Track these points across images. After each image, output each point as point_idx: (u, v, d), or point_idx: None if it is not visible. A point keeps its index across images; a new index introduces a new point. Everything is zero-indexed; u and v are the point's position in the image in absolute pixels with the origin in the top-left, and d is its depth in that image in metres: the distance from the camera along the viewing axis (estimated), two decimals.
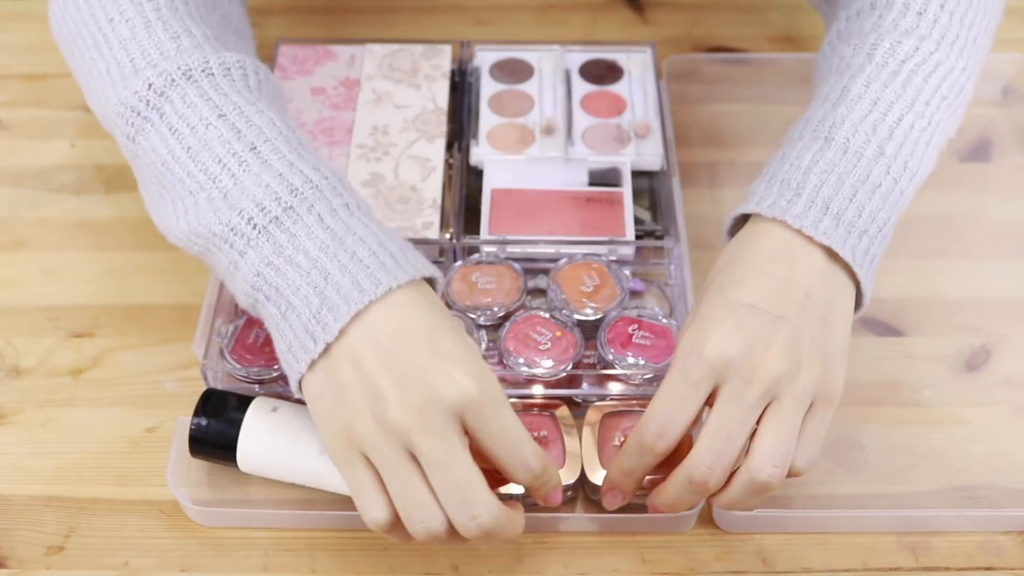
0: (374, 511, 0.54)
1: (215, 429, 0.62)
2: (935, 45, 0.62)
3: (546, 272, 0.72)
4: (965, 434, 0.68)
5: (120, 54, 0.61)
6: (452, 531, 0.54)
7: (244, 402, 0.62)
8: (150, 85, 0.59)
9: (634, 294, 0.73)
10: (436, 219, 0.74)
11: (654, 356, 0.67)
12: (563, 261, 0.72)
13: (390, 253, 0.55)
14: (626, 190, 0.76)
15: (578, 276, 0.71)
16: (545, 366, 0.67)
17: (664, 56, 0.88)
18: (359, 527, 0.63)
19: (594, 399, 0.67)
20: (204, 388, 0.67)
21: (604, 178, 0.77)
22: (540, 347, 0.67)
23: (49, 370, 0.71)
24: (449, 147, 0.79)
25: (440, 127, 0.80)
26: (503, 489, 0.60)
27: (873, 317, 0.73)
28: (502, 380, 0.67)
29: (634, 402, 0.65)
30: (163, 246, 0.77)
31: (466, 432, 0.53)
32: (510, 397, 0.65)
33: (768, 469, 0.55)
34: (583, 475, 0.62)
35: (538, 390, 0.67)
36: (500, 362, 0.68)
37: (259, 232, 0.55)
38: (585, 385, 0.68)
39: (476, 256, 0.73)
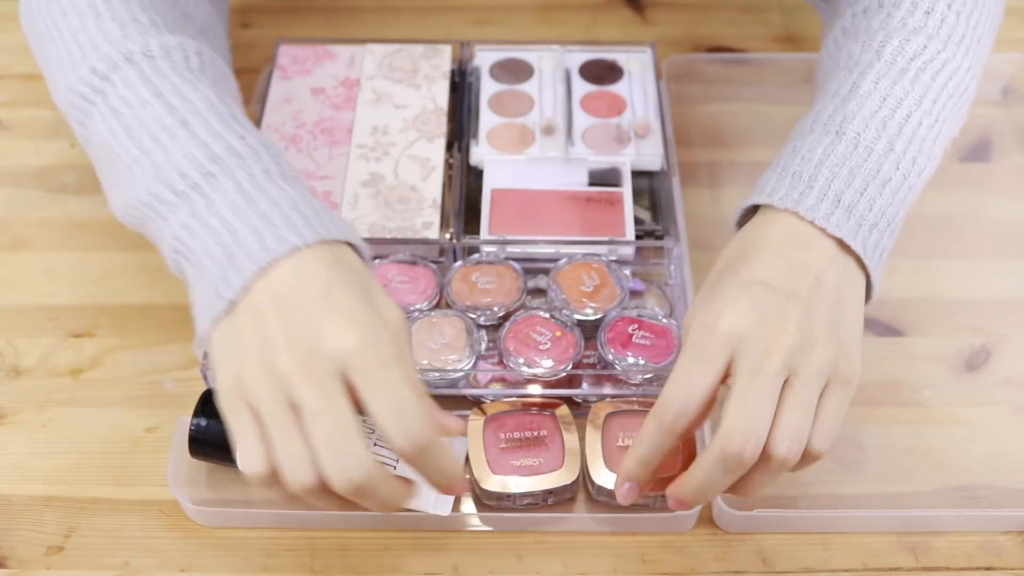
0: (252, 461, 0.53)
1: (215, 429, 0.62)
2: (942, 44, 0.63)
3: (546, 272, 0.72)
4: (965, 434, 0.68)
5: (71, 43, 0.63)
6: (323, 487, 0.53)
7: None
8: (94, 69, 0.61)
9: (634, 294, 0.73)
10: (436, 219, 0.74)
11: (654, 356, 0.67)
12: (563, 261, 0.72)
13: (302, 215, 0.56)
14: (626, 190, 0.76)
15: (578, 276, 0.71)
16: (545, 366, 0.67)
17: (664, 56, 0.88)
18: (359, 527, 0.63)
19: (594, 399, 0.67)
20: (204, 388, 0.67)
21: (604, 178, 0.77)
22: (540, 347, 0.67)
23: (49, 370, 0.71)
24: (449, 147, 0.79)
25: (440, 127, 0.80)
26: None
27: (873, 317, 0.73)
28: (502, 380, 0.67)
29: (634, 400, 0.65)
30: None
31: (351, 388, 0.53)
32: (511, 397, 0.66)
33: (786, 444, 0.54)
34: (587, 475, 0.62)
35: (538, 390, 0.67)
36: (500, 362, 0.68)
37: (180, 197, 0.57)
38: (585, 385, 0.68)
39: (476, 256, 0.73)
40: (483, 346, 0.68)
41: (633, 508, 0.62)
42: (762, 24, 0.95)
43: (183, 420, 0.65)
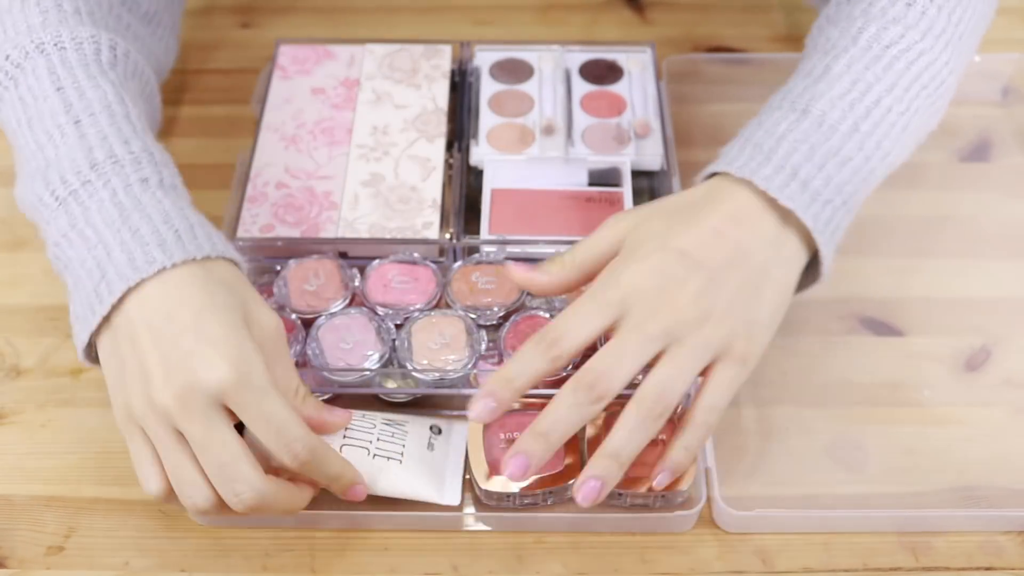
0: (150, 483, 0.57)
1: None
2: (920, 35, 0.64)
3: None
4: (965, 434, 0.68)
5: None
6: (222, 505, 0.56)
7: None
8: (7, 56, 0.63)
9: None
10: (436, 219, 0.74)
11: None
12: None
13: (175, 231, 0.57)
14: (626, 190, 0.76)
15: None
16: None
17: (664, 56, 0.88)
18: (359, 527, 0.63)
19: None
20: None
21: (604, 178, 0.77)
22: None
23: (49, 370, 0.71)
24: (449, 147, 0.79)
25: (440, 127, 0.80)
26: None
27: (873, 317, 0.73)
28: None
29: None
30: None
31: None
32: None
33: (652, 396, 0.56)
34: None
35: (538, 390, 0.67)
36: (500, 362, 0.68)
37: (59, 204, 0.59)
38: None
39: (476, 256, 0.73)
40: (483, 346, 0.68)
41: (633, 508, 0.62)
42: (762, 24, 0.95)
43: None
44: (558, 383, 0.66)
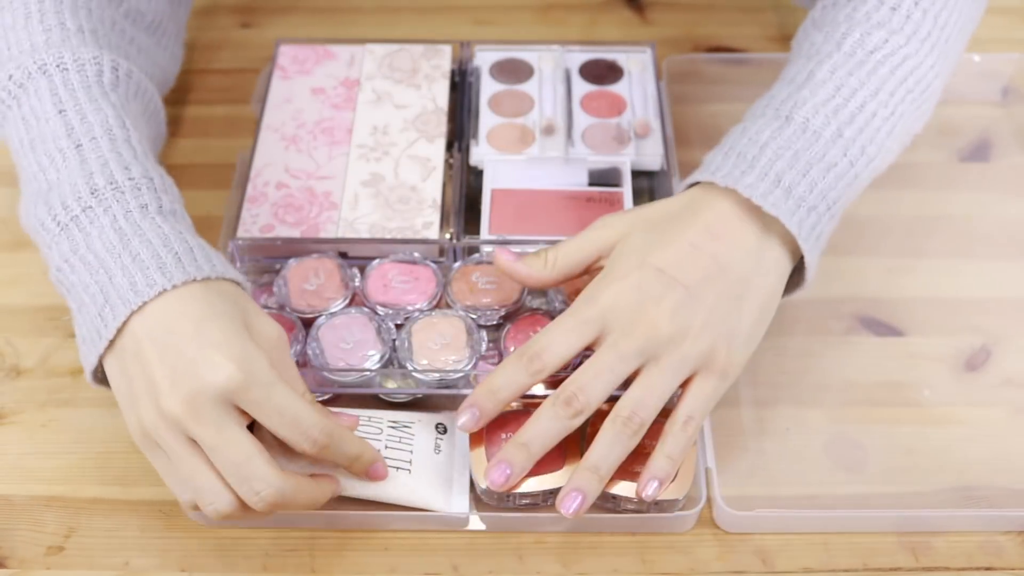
0: (179, 494, 0.58)
1: None
2: (905, 39, 0.64)
3: None
4: (965, 434, 0.68)
5: (0, 41, 0.66)
6: (244, 507, 0.56)
7: None
8: (11, 76, 0.64)
9: None
10: (436, 219, 0.74)
11: None
12: None
13: (174, 254, 0.58)
14: (626, 190, 0.76)
15: (579, 278, 0.71)
16: None
17: (664, 56, 0.88)
18: (359, 527, 0.63)
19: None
20: None
21: (604, 178, 0.77)
22: None
23: (49, 370, 0.71)
24: (449, 147, 0.79)
25: (440, 127, 0.80)
26: (537, 484, 0.61)
27: (873, 317, 0.73)
28: None
29: None
30: None
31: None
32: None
33: (625, 414, 0.58)
34: None
35: (538, 390, 0.67)
36: (500, 362, 0.68)
37: (61, 229, 0.60)
38: None
39: (476, 256, 0.73)
40: (483, 346, 0.68)
41: (632, 508, 0.62)
42: (762, 24, 0.95)
43: None
44: (559, 384, 0.67)
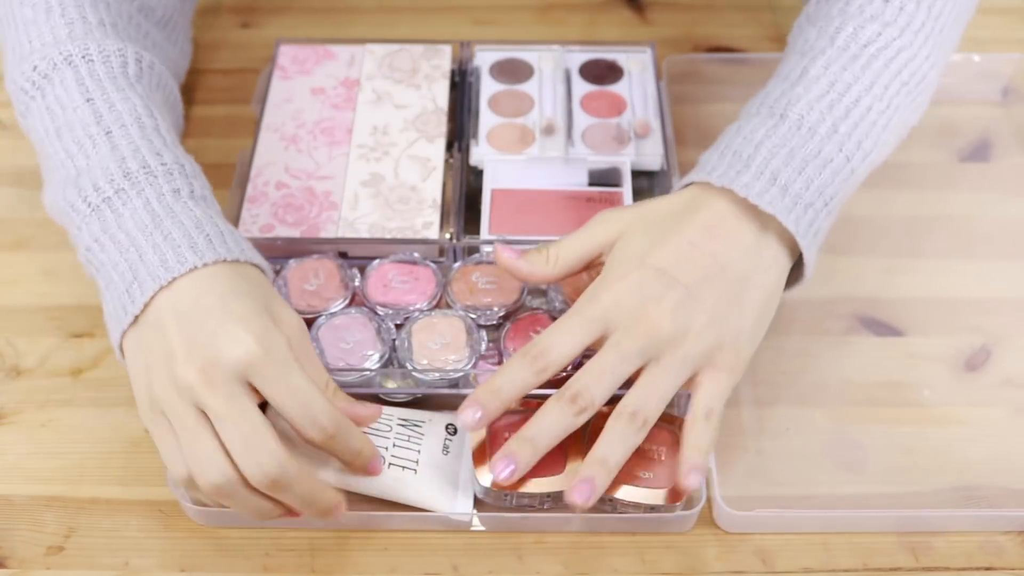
0: (172, 468, 0.57)
1: None
2: (899, 31, 0.64)
3: None
4: (965, 434, 0.68)
5: (23, 35, 0.66)
6: (239, 483, 0.56)
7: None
8: (35, 67, 0.64)
9: None
10: (436, 219, 0.74)
11: None
12: None
13: (206, 235, 0.59)
14: (626, 190, 0.76)
15: (578, 276, 0.71)
16: None
17: (664, 56, 0.88)
18: (359, 527, 0.63)
19: None
20: None
21: (604, 178, 0.77)
22: None
23: (49, 370, 0.71)
24: (449, 147, 0.79)
25: (440, 127, 0.80)
26: (537, 487, 0.61)
27: (873, 317, 0.73)
28: None
29: None
30: None
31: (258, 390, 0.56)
32: None
33: (628, 412, 0.58)
34: None
35: (538, 390, 0.67)
36: (500, 362, 0.68)
37: (92, 210, 0.60)
38: None
39: (476, 256, 0.73)
40: (483, 346, 0.68)
41: (632, 508, 0.62)
42: (762, 24, 0.95)
43: None
44: (559, 384, 0.67)
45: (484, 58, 0.86)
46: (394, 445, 0.62)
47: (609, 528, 0.63)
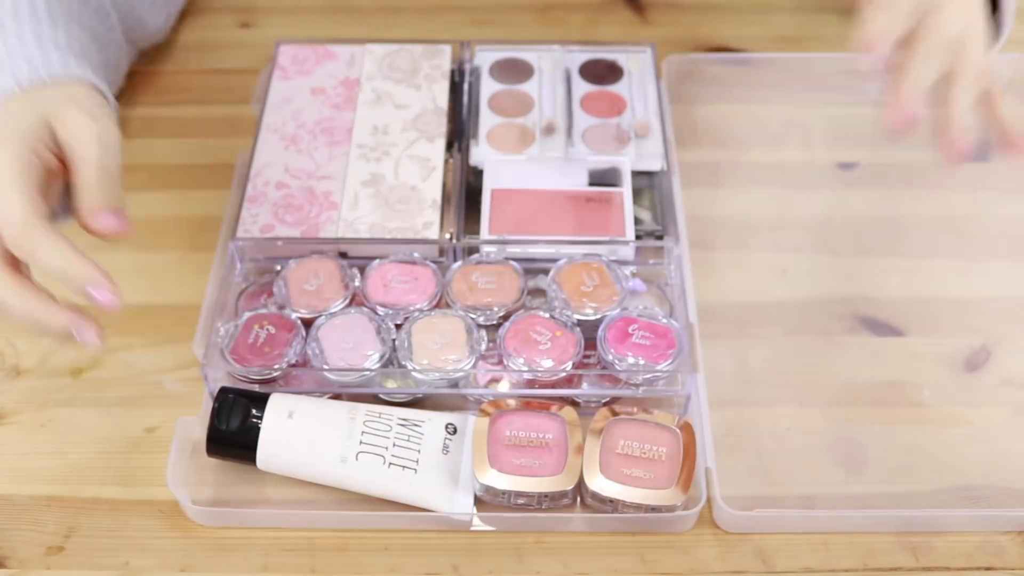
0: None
1: (233, 431, 0.62)
2: None
3: (546, 272, 0.72)
4: (965, 434, 0.68)
5: None
6: None
7: (260, 401, 0.63)
8: None
9: (634, 294, 0.73)
10: (436, 219, 0.74)
11: (654, 356, 0.67)
12: (563, 261, 0.72)
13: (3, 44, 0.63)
14: (626, 190, 0.76)
15: (578, 276, 0.71)
16: (545, 366, 0.67)
17: (664, 56, 0.88)
18: (359, 527, 0.63)
19: (594, 400, 0.67)
20: (204, 388, 0.67)
21: (604, 178, 0.77)
22: (540, 347, 0.67)
23: (49, 370, 0.71)
24: (449, 147, 0.79)
25: (440, 127, 0.80)
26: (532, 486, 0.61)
27: (873, 317, 0.73)
28: (501, 380, 0.67)
29: (637, 409, 0.65)
30: (163, 246, 0.78)
31: None
32: (511, 397, 0.66)
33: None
34: (582, 480, 0.62)
35: (538, 390, 0.67)
36: (500, 362, 0.68)
37: None
38: (585, 385, 0.68)
39: (476, 256, 0.73)
40: (483, 346, 0.68)
41: (632, 508, 0.62)
42: (762, 24, 0.95)
43: (183, 420, 0.65)
44: (558, 384, 0.67)
45: (484, 58, 0.86)
46: (394, 445, 0.62)
47: (609, 528, 0.63)
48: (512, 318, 0.69)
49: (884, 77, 0.65)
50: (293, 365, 0.67)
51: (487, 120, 0.81)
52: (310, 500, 0.64)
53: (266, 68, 0.86)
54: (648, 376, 0.67)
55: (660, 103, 0.82)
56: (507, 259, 0.72)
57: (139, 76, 0.90)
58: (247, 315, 0.69)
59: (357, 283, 0.71)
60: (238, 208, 0.75)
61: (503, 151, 0.79)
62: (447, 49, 0.86)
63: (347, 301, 0.70)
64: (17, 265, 0.59)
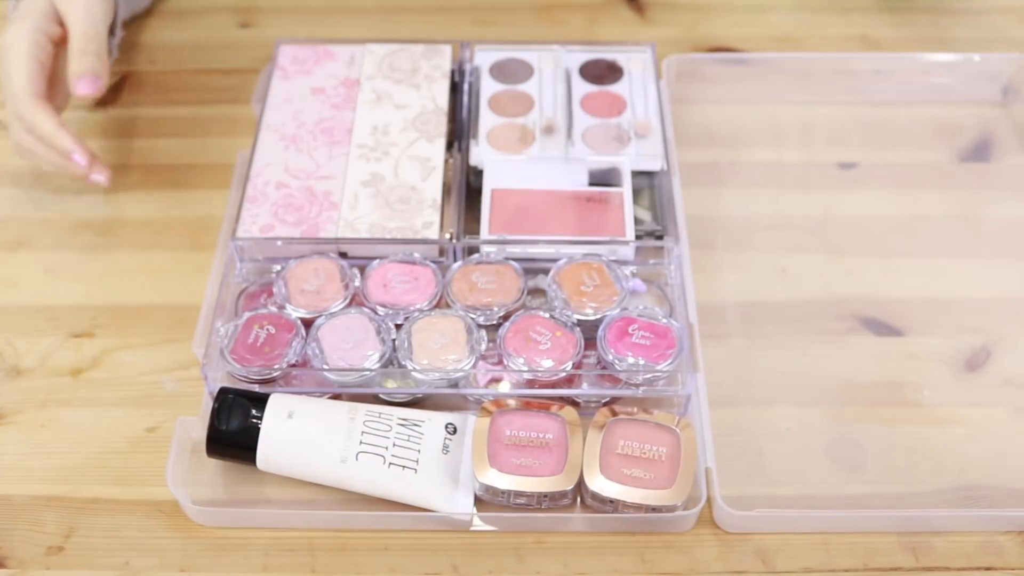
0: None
1: (233, 432, 0.62)
2: None
3: (546, 272, 0.72)
4: (965, 434, 0.68)
5: None
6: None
7: (260, 401, 0.63)
8: None
9: (634, 294, 0.73)
10: (436, 219, 0.74)
11: (654, 356, 0.67)
12: (563, 261, 0.72)
13: None
14: (626, 190, 0.76)
15: (578, 276, 0.71)
16: (545, 366, 0.67)
17: (664, 56, 0.88)
18: (359, 527, 0.63)
19: (594, 400, 0.67)
20: (204, 388, 0.67)
21: (604, 178, 0.77)
22: (540, 347, 0.67)
23: (49, 370, 0.71)
24: (449, 147, 0.79)
25: (440, 127, 0.80)
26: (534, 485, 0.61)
27: (873, 317, 0.73)
28: (501, 380, 0.67)
29: (638, 409, 0.65)
30: (163, 246, 0.78)
31: None
32: (511, 397, 0.66)
33: None
34: (582, 479, 0.62)
35: (538, 390, 0.67)
36: (500, 362, 0.68)
37: None
38: (585, 385, 0.68)
39: (476, 256, 0.73)
40: (483, 346, 0.68)
41: (632, 508, 0.62)
42: (762, 24, 0.95)
43: (183, 420, 0.65)
44: (558, 384, 0.67)
45: (484, 58, 0.86)
46: (394, 445, 0.62)
47: (609, 528, 0.63)
48: (512, 318, 0.69)
49: None
50: (293, 365, 0.67)
51: (487, 120, 0.81)
52: (310, 500, 0.64)
53: (266, 68, 0.86)
54: (648, 376, 0.67)
55: (660, 103, 0.82)
56: (507, 259, 0.72)
57: (139, 76, 0.90)
58: (247, 315, 0.69)
59: (357, 283, 0.71)
60: (238, 208, 0.75)
61: (503, 151, 0.79)
62: (447, 49, 0.86)
63: (347, 301, 0.70)
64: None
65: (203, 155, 0.84)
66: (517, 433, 0.63)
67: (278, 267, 0.73)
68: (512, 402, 0.65)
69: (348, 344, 0.68)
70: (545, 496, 0.62)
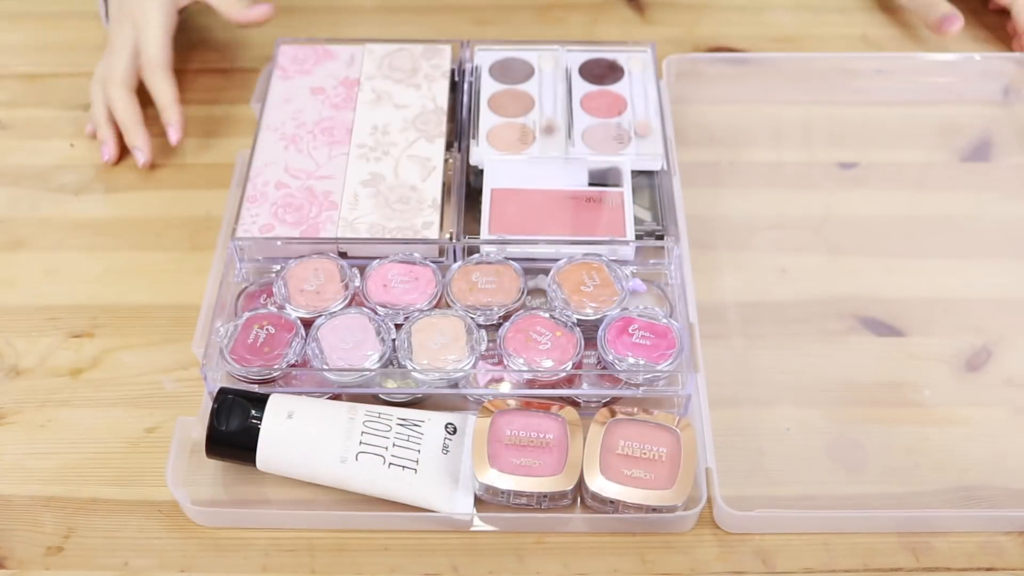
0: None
1: (232, 432, 0.62)
2: None
3: (546, 272, 0.72)
4: (965, 434, 0.68)
5: None
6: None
7: (259, 401, 0.63)
8: None
9: (634, 294, 0.73)
10: (436, 219, 0.74)
11: (654, 356, 0.67)
12: (563, 261, 0.72)
13: None
14: (626, 190, 0.76)
15: (578, 276, 0.71)
16: (545, 366, 0.67)
17: (664, 56, 0.88)
18: (359, 527, 0.63)
19: (594, 400, 0.67)
20: (204, 388, 0.67)
21: (604, 178, 0.77)
22: (540, 347, 0.67)
23: (49, 370, 0.71)
24: (449, 147, 0.79)
25: (440, 127, 0.80)
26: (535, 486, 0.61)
27: (873, 317, 0.73)
28: (501, 380, 0.67)
29: (638, 410, 0.65)
30: (163, 246, 0.78)
31: None
32: (511, 397, 0.66)
33: None
34: (582, 481, 0.62)
35: (538, 391, 0.67)
36: (500, 362, 0.68)
37: None
38: (585, 385, 0.68)
39: (476, 256, 0.73)
40: (483, 346, 0.68)
41: (632, 508, 0.62)
42: (762, 24, 0.95)
43: (183, 420, 0.65)
44: (558, 384, 0.67)
45: (484, 58, 0.86)
46: (394, 445, 0.62)
47: (609, 528, 0.63)
48: (512, 318, 0.69)
49: None
50: (293, 365, 0.67)
51: (487, 120, 0.81)
52: (310, 500, 0.64)
53: (266, 68, 0.86)
54: (648, 376, 0.66)
55: (660, 103, 0.82)
56: (507, 259, 0.72)
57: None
58: (247, 315, 0.69)
59: (357, 283, 0.71)
60: (238, 208, 0.75)
61: (503, 151, 0.79)
62: (447, 49, 0.86)
63: (347, 301, 0.70)
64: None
65: (203, 155, 0.84)
66: (517, 433, 0.63)
67: (278, 267, 0.73)
68: (512, 402, 0.65)
69: (348, 344, 0.67)
70: (545, 496, 0.62)
